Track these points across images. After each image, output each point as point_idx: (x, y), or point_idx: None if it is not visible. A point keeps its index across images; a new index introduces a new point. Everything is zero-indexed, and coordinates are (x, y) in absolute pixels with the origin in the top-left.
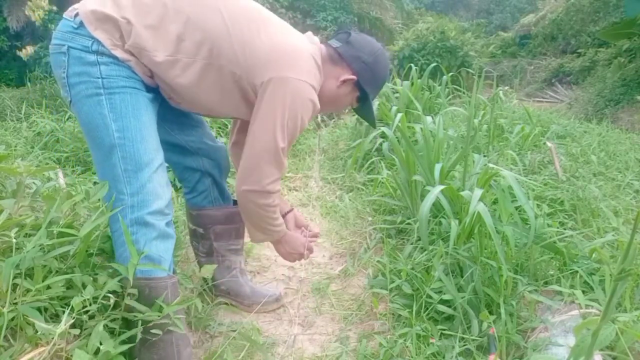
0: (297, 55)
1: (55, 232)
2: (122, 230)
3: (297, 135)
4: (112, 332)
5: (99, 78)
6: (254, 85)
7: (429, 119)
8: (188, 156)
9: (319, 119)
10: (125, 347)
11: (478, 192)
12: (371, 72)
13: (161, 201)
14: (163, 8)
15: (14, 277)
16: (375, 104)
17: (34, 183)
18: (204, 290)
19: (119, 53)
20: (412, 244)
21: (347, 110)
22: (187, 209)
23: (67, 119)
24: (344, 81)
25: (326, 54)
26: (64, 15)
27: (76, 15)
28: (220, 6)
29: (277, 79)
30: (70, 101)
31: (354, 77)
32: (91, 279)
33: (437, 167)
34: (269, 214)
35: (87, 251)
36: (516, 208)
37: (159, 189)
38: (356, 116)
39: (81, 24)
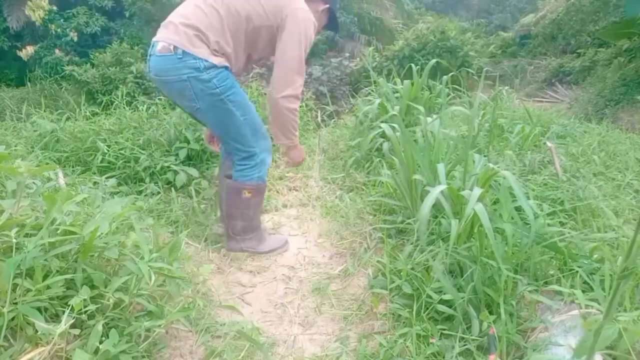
0: None
1: (58, 230)
2: (266, 156)
3: (310, 45)
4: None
5: (217, 88)
6: (278, 24)
7: (429, 118)
8: None
9: (319, 118)
10: (125, 346)
11: (477, 192)
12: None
13: (269, 144)
14: (223, 14)
15: (14, 277)
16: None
17: (34, 183)
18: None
19: (216, 60)
20: (412, 244)
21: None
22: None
23: (67, 119)
24: (322, 10)
25: None
26: (159, 53)
27: (175, 48)
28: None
29: (291, 13)
30: (199, 108)
31: (327, 5)
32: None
33: (441, 167)
34: (296, 117)
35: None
36: (516, 208)
37: (268, 141)
38: (356, 116)
39: (184, 53)
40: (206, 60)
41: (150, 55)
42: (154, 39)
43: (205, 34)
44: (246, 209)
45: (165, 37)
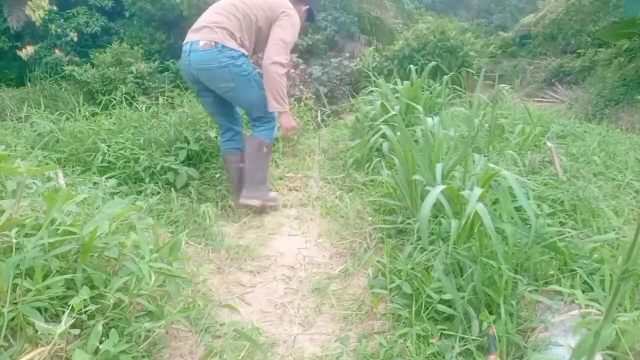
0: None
1: (58, 231)
2: (271, 123)
3: (295, 39)
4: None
5: (245, 71)
6: (274, 20)
7: (429, 119)
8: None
9: (319, 118)
10: (125, 346)
11: (477, 192)
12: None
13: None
14: (240, 17)
15: (14, 277)
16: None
17: (34, 183)
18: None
19: (243, 50)
20: (412, 244)
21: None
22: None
23: (67, 119)
24: (304, 10)
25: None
26: (202, 49)
27: (216, 43)
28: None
29: (286, 11)
30: (233, 87)
31: (307, 5)
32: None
33: (439, 167)
34: (283, 82)
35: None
36: (516, 208)
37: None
38: (356, 116)
39: (223, 47)
40: (237, 51)
41: (190, 52)
42: (190, 40)
43: (233, 33)
44: (265, 161)
45: (205, 37)
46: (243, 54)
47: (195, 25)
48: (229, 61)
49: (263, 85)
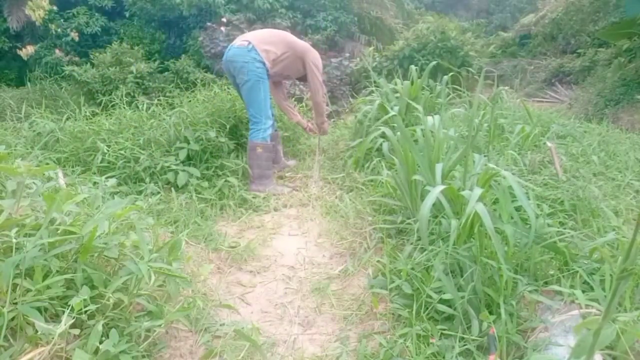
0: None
1: (58, 230)
2: (259, 126)
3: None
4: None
5: (260, 74)
6: (303, 61)
7: (429, 118)
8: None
9: None
10: (125, 346)
11: (477, 192)
12: None
13: (271, 121)
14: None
15: (14, 277)
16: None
17: (34, 183)
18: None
19: (267, 62)
20: (412, 244)
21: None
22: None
23: (67, 119)
24: None
25: None
26: (237, 46)
27: (249, 43)
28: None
29: (309, 60)
30: (246, 81)
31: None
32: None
33: (439, 167)
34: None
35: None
36: (516, 208)
37: (271, 119)
38: (355, 115)
39: (252, 48)
40: (261, 58)
41: (229, 50)
42: (232, 43)
43: (263, 47)
44: (261, 160)
45: (242, 39)
46: (263, 62)
47: (243, 36)
48: (251, 60)
49: (266, 93)
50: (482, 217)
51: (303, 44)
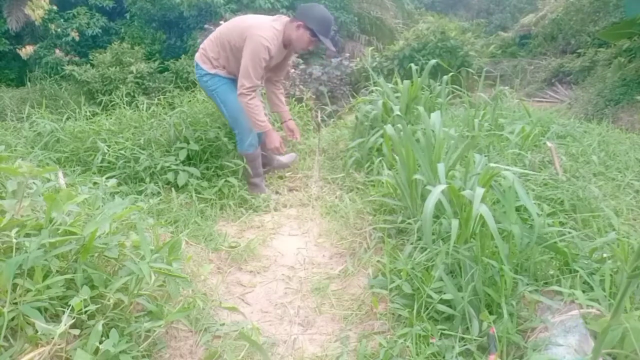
0: (258, 24)
1: (59, 231)
2: (244, 134)
3: (262, 63)
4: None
5: (210, 87)
6: (242, 45)
7: (432, 115)
8: None
9: (319, 118)
10: (125, 346)
11: (480, 192)
12: (311, 16)
13: (249, 133)
14: (217, 41)
15: (15, 277)
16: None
17: (34, 183)
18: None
19: (218, 70)
20: (412, 244)
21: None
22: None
23: (67, 119)
24: (298, 26)
25: (287, 20)
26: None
27: (195, 62)
28: (228, 30)
29: (247, 36)
30: (210, 97)
31: (301, 22)
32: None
33: (441, 166)
34: (252, 108)
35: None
36: (516, 208)
37: (251, 132)
38: (356, 115)
39: (197, 65)
40: (206, 70)
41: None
42: None
43: (209, 56)
44: (249, 168)
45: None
46: (210, 74)
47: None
48: (200, 78)
49: (226, 102)
50: (485, 218)
51: (250, 26)
